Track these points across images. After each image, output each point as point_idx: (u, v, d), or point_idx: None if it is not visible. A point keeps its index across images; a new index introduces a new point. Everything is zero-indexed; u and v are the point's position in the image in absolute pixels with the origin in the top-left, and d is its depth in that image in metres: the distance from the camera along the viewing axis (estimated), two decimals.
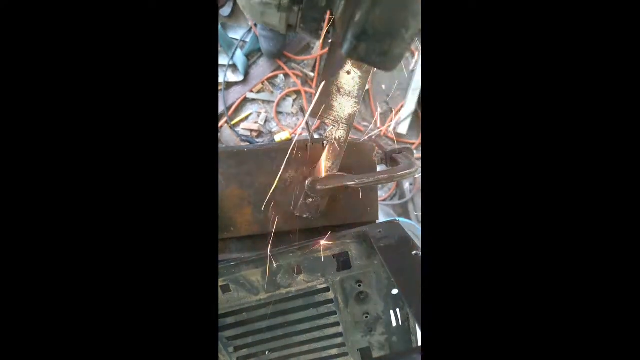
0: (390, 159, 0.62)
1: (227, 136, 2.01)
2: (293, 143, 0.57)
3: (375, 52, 0.26)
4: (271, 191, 0.57)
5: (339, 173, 0.55)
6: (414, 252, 0.51)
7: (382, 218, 0.65)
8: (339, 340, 0.65)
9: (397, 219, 0.69)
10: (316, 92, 0.49)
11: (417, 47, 1.95)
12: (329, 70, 0.47)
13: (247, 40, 1.88)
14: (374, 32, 0.25)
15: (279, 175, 0.57)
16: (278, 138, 1.96)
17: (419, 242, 0.53)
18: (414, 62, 1.99)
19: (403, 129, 2.05)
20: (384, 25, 0.24)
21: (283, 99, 1.99)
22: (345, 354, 0.67)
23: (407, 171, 0.51)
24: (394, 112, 2.03)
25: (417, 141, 2.06)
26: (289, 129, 2.01)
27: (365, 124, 2.05)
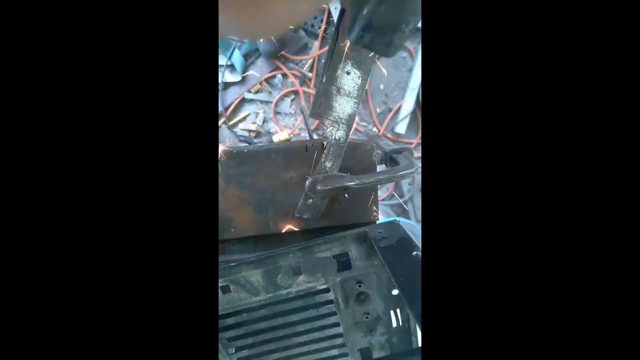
0: (390, 159, 0.62)
1: (225, 137, 2.01)
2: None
3: (379, 42, 0.30)
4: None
5: (339, 173, 0.55)
6: (415, 252, 0.51)
7: (381, 218, 0.65)
8: (339, 340, 0.65)
9: (397, 219, 0.69)
10: (316, 92, 0.49)
11: (414, 47, 1.94)
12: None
13: (245, 40, 1.88)
14: (378, 26, 0.29)
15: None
16: (276, 138, 1.96)
17: (418, 242, 0.53)
18: (413, 62, 1.99)
19: (402, 128, 2.05)
20: (388, 20, 0.28)
21: (281, 99, 1.99)
22: (345, 355, 0.67)
23: (407, 171, 0.51)
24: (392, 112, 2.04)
25: (416, 141, 2.07)
26: (287, 129, 2.01)
27: (364, 124, 2.05)
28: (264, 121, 1.97)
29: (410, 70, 1.99)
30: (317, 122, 1.76)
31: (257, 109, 1.97)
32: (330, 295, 0.59)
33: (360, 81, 0.48)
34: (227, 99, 1.92)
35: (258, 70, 1.91)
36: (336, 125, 0.52)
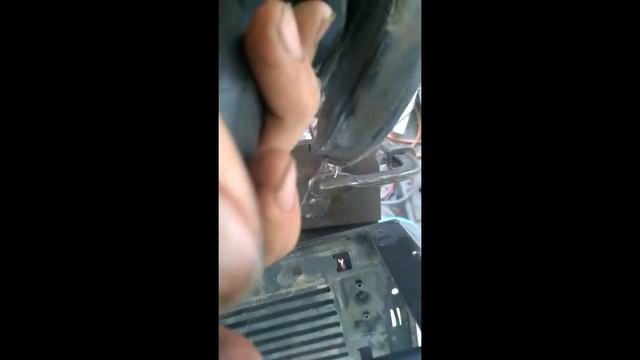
0: (392, 159, 0.62)
1: None
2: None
3: (337, 161, 0.38)
4: None
5: (342, 173, 0.55)
6: (414, 252, 0.51)
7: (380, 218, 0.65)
8: (339, 340, 0.65)
9: (397, 218, 0.69)
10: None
11: None
12: None
13: None
14: (335, 158, 0.36)
15: None
16: None
17: (417, 242, 0.54)
18: None
19: (401, 128, 2.05)
20: (343, 156, 0.35)
21: None
22: (345, 354, 0.67)
23: (410, 171, 0.51)
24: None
25: (415, 140, 2.07)
26: None
27: None
28: None
29: None
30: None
31: None
32: (330, 295, 0.59)
33: None
34: None
35: None
36: None
